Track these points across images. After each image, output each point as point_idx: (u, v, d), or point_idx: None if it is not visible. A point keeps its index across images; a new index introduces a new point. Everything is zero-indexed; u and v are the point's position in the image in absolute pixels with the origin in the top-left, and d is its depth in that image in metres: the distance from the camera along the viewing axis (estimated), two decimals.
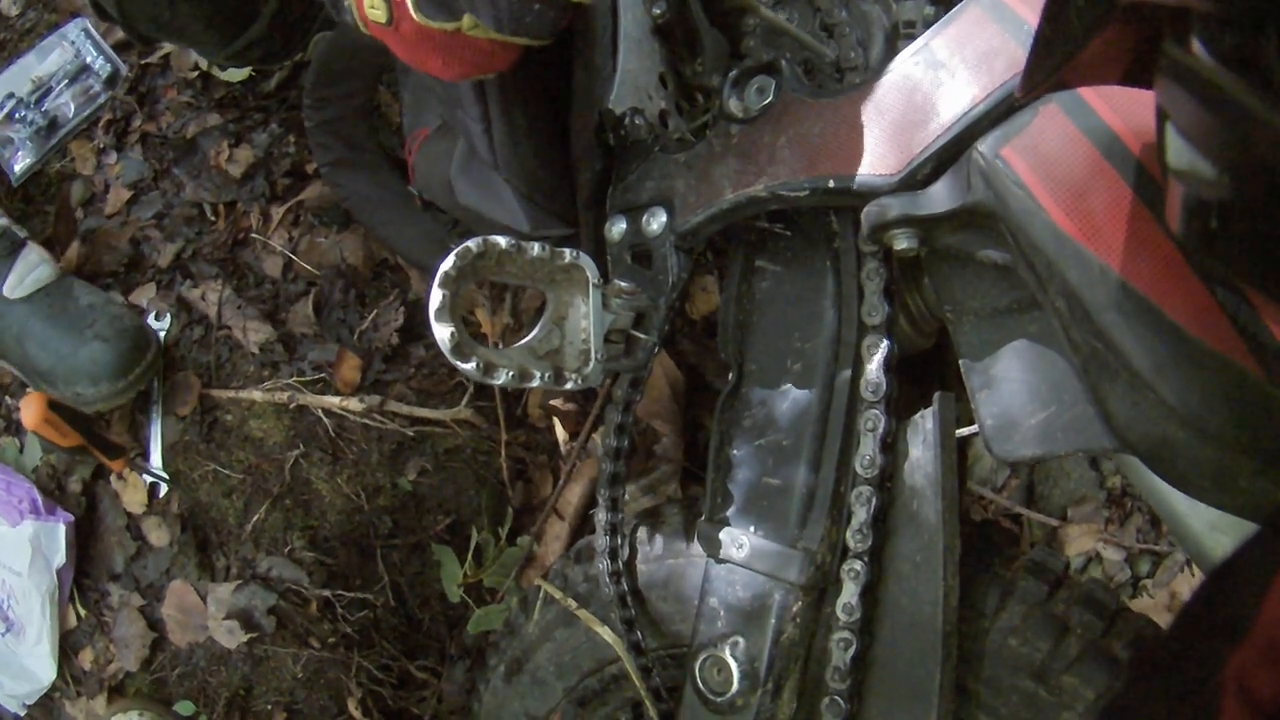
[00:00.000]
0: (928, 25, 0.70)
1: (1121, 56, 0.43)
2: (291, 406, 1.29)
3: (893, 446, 0.75)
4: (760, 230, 0.82)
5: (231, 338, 1.33)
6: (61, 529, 1.29)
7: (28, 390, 1.28)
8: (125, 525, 1.32)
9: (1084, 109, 0.57)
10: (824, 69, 0.79)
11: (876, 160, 0.66)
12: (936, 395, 0.75)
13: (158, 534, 1.30)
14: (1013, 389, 0.66)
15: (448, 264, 0.67)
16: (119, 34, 1.44)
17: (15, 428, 1.37)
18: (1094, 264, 0.55)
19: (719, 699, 0.79)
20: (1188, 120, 0.39)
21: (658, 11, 0.81)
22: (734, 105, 0.77)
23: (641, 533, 0.94)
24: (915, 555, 0.74)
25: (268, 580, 1.28)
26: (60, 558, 1.29)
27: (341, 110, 1.26)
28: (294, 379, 1.30)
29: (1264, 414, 0.52)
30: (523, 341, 0.75)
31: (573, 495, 1.36)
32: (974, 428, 0.69)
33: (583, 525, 1.36)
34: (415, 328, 1.38)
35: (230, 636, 1.26)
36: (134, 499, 1.31)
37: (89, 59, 1.45)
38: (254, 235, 1.39)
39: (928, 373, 0.84)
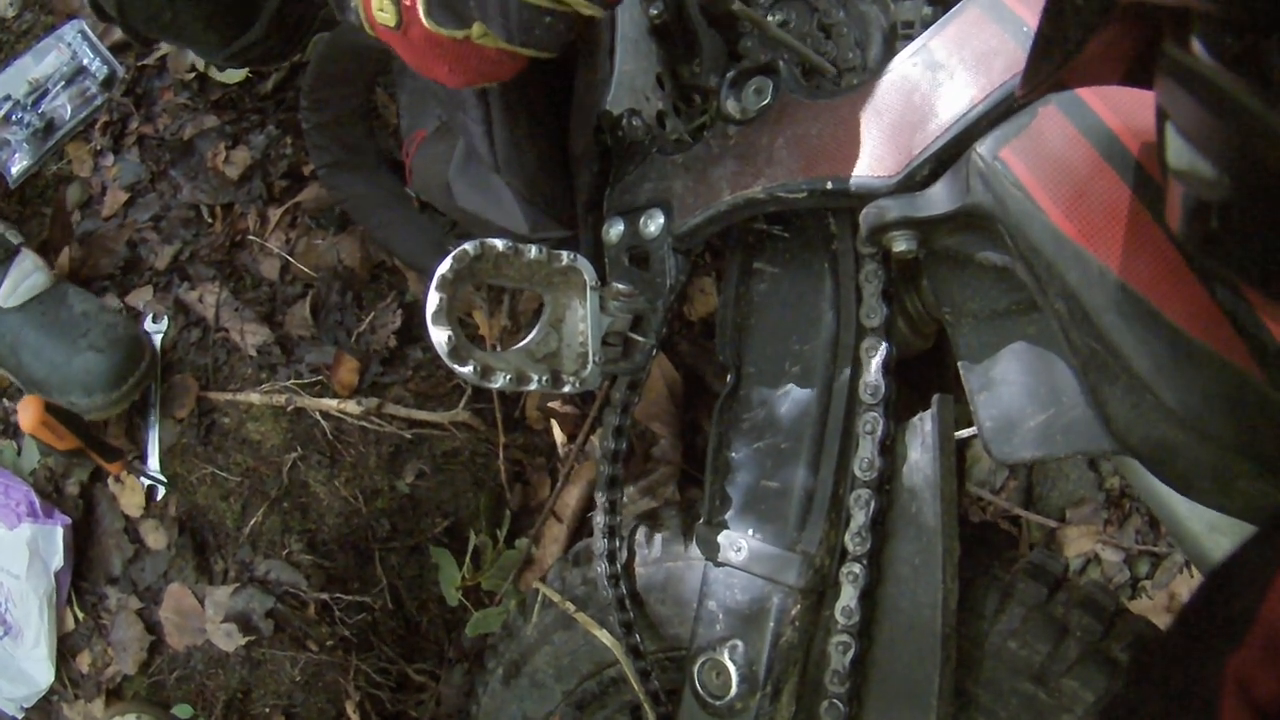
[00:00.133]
0: (926, 26, 0.70)
1: (1121, 57, 0.43)
2: (289, 409, 1.29)
3: (891, 449, 0.75)
4: (758, 232, 0.82)
5: (229, 340, 1.33)
6: (59, 532, 1.29)
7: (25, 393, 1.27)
8: (123, 528, 1.31)
9: (1083, 110, 0.57)
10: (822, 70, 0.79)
11: (875, 162, 0.66)
12: (935, 397, 0.74)
13: (155, 537, 1.30)
14: (1012, 391, 0.65)
15: (445, 267, 0.67)
16: (116, 36, 1.43)
17: (13, 430, 1.37)
18: (1093, 265, 0.55)
19: (718, 702, 0.79)
20: (1188, 120, 0.39)
21: (655, 12, 0.80)
22: (731, 106, 0.77)
23: (640, 535, 0.94)
24: (914, 558, 0.74)
25: (265, 583, 1.28)
26: (58, 560, 1.29)
27: (339, 112, 1.26)
28: (291, 381, 1.30)
29: (1264, 416, 0.52)
30: (520, 344, 0.75)
31: (571, 498, 1.36)
32: (973, 430, 0.69)
33: (581, 528, 1.36)
34: (413, 330, 1.37)
35: (228, 639, 1.26)
36: (131, 502, 1.31)
37: (86, 61, 1.45)
38: (251, 237, 1.39)
39: (926, 375, 0.83)
